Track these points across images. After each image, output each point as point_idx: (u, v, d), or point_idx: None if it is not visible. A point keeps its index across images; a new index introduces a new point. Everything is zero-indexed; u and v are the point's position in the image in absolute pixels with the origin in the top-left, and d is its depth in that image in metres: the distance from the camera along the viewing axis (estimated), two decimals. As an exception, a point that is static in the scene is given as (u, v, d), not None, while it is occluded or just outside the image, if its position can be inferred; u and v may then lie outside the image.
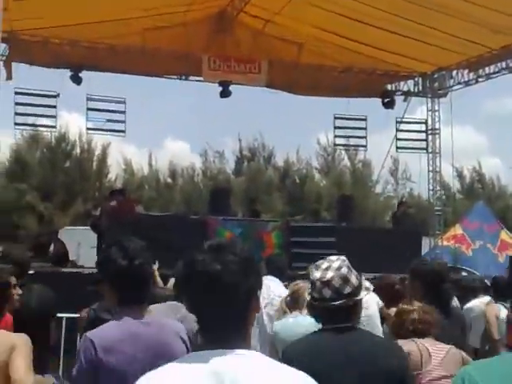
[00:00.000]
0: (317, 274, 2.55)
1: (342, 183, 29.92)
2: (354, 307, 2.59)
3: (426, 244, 15.08)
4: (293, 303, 4.42)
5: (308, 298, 2.61)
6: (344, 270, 2.57)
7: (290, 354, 2.47)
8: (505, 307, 6.04)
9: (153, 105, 43.60)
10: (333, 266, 2.57)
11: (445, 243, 15.19)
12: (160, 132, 47.27)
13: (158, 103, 42.61)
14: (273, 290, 5.06)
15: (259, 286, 1.59)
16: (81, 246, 14.81)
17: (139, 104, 36.44)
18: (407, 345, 3.13)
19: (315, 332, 2.56)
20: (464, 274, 11.80)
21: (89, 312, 5.13)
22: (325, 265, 2.59)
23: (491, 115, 45.25)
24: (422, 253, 13.19)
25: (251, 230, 12.13)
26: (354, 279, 2.59)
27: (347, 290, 2.54)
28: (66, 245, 12.57)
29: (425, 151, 17.48)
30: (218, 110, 33.97)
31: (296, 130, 40.69)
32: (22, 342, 2.89)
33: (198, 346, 1.59)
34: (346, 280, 2.55)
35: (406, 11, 11.99)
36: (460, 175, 32.34)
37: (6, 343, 2.87)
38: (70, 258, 12.70)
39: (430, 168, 17.47)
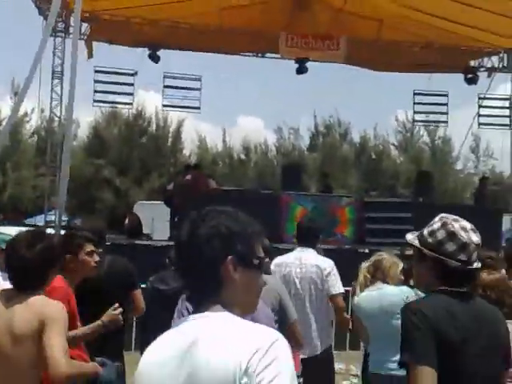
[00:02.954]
0: (474, 238, 2.42)
1: (420, 160, 29.21)
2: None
3: (506, 221, 14.70)
4: (374, 272, 4.36)
5: (452, 262, 2.41)
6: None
7: (421, 308, 2.35)
8: None
9: (228, 82, 43.95)
10: (474, 229, 2.48)
11: None
12: (234, 109, 47.50)
13: (232, 80, 42.90)
14: (304, 261, 4.96)
15: (230, 250, 1.61)
16: (155, 220, 15.12)
17: (214, 81, 36.86)
18: None
19: (440, 292, 2.41)
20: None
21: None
22: (468, 225, 2.48)
23: None
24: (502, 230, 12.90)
25: (324, 206, 12.02)
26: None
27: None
28: (140, 218, 12.80)
29: (508, 128, 16.97)
30: (293, 86, 33.75)
31: (373, 107, 39.96)
32: (57, 314, 2.82)
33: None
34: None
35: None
36: None
37: (38, 311, 2.80)
38: (144, 232, 12.94)
39: (514, 145, 16.93)
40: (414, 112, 17.46)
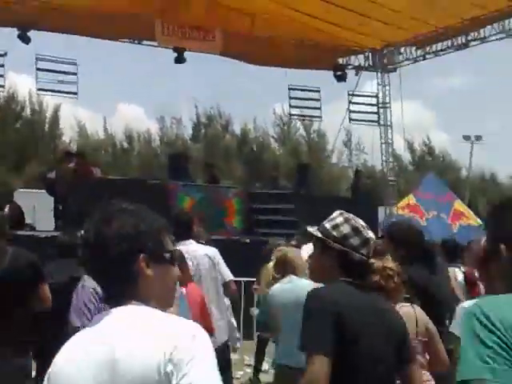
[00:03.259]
0: (371, 235, 2.59)
1: (299, 152, 30.23)
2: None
3: (381, 213, 15.50)
4: (282, 269, 4.45)
5: (356, 255, 2.55)
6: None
7: (324, 295, 2.46)
8: (460, 270, 6.09)
9: (106, 68, 43.07)
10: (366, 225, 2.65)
11: (399, 212, 15.60)
12: (114, 96, 46.83)
13: (111, 66, 42.10)
14: (193, 253, 4.87)
15: (140, 248, 1.62)
16: (36, 209, 14.62)
17: (93, 66, 36.00)
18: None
19: (341, 282, 2.53)
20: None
21: None
22: (364, 224, 2.63)
23: (438, 91, 46.43)
24: (379, 221, 13.60)
25: (212, 196, 12.09)
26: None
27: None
28: (21, 208, 12.29)
29: (376, 124, 17.87)
30: (174, 76, 33.63)
31: (253, 99, 40.80)
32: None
33: None
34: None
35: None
36: (411, 148, 33.23)
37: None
38: (26, 222, 12.43)
39: (383, 140, 17.91)
40: (290, 106, 18.01)
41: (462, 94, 48.23)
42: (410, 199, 15.40)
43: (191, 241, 5.00)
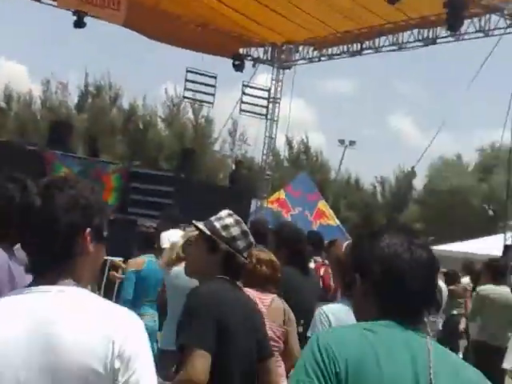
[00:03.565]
0: (252, 240, 2.70)
1: (184, 136, 30.33)
2: None
3: (253, 205, 16.04)
4: None
5: (241, 258, 2.65)
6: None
7: (204, 293, 2.54)
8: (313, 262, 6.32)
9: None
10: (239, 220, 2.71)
11: (269, 205, 16.31)
12: (-1, 49, 43.84)
13: (4, 19, 39.59)
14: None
15: (87, 223, 1.57)
16: None
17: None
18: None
19: (219, 279, 2.60)
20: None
21: None
22: (233, 219, 2.69)
23: (322, 93, 48.62)
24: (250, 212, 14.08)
25: (90, 170, 11.82)
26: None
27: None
28: None
29: (264, 117, 18.41)
30: (68, 39, 32.30)
31: (146, 76, 40.18)
32: None
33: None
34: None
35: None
36: (290, 145, 34.55)
37: None
38: None
39: (267, 134, 18.48)
40: (185, 88, 18.06)
41: (346, 99, 50.69)
42: (281, 194, 16.19)
43: None
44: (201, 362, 2.31)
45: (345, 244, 2.92)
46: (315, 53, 16.23)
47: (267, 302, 3.43)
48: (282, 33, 15.89)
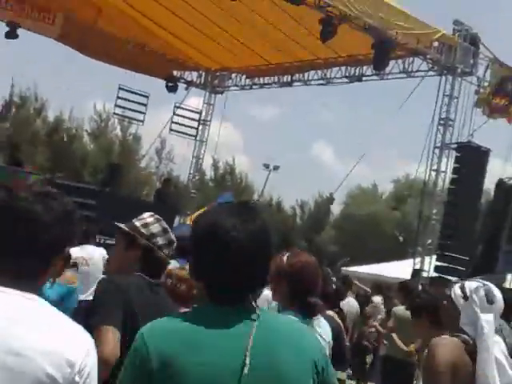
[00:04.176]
0: (174, 238, 2.79)
1: (111, 151, 30.13)
2: None
3: (176, 221, 16.21)
4: None
5: (161, 253, 2.72)
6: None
7: (115, 280, 2.65)
8: None
9: None
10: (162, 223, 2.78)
11: (191, 222, 16.41)
12: None
13: None
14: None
15: (69, 240, 1.55)
16: None
17: None
18: None
19: (137, 276, 2.66)
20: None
21: None
22: (154, 218, 2.77)
23: (251, 118, 49.71)
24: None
25: (9, 180, 11.33)
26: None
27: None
28: None
29: (194, 138, 18.73)
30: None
31: (75, 90, 39.54)
32: None
33: None
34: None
35: (206, 9, 13.03)
36: (216, 166, 35.29)
37: None
38: None
39: (195, 154, 18.82)
40: (116, 105, 18.04)
41: (273, 125, 51.80)
42: None
43: None
44: (109, 337, 2.33)
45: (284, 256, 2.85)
46: (247, 81, 16.75)
47: None
48: (217, 59, 16.30)
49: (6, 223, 1.47)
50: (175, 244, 2.78)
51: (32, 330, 1.40)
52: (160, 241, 2.70)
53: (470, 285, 2.63)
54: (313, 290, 2.86)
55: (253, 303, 1.58)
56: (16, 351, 1.37)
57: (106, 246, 7.36)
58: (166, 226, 2.75)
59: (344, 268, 18.15)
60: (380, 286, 10.89)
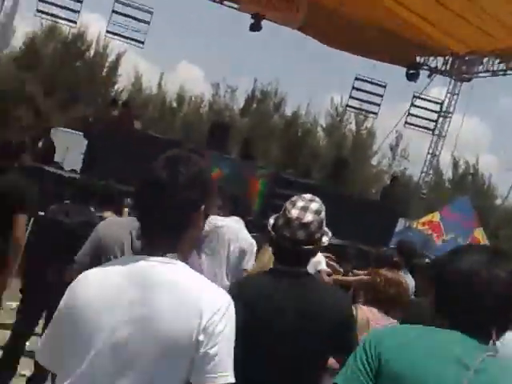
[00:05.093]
0: (295, 214, 2.41)
1: (343, 147, 29.83)
2: (315, 252, 2.50)
3: (401, 224, 15.20)
4: None
5: (273, 233, 2.46)
6: (322, 215, 2.46)
7: (233, 286, 2.53)
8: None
9: (180, 23, 42.35)
10: (311, 208, 2.43)
11: (419, 227, 15.27)
12: (178, 53, 46.15)
13: (186, 22, 41.44)
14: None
15: (204, 201, 1.62)
16: (69, 149, 14.60)
17: (165, 18, 35.57)
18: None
19: (269, 272, 2.49)
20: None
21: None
22: (301, 203, 2.45)
23: (501, 111, 45.13)
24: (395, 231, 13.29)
25: (240, 172, 11.86)
26: (325, 224, 2.50)
27: (318, 235, 2.43)
28: (54, 145, 12.48)
29: (431, 132, 17.53)
30: (242, 43, 32.91)
31: (313, 83, 40.14)
32: None
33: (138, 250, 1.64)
34: (320, 225, 2.44)
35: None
36: (455, 165, 31.73)
37: None
38: (55, 159, 12.54)
39: (431, 151, 17.62)
40: (350, 97, 17.72)
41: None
42: (435, 216, 15.16)
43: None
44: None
45: None
46: (501, 65, 15.11)
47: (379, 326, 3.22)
48: (467, 42, 14.91)
49: (144, 192, 1.62)
50: (302, 223, 2.40)
51: (169, 295, 1.51)
52: (278, 223, 2.46)
53: None
54: None
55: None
56: (152, 310, 1.50)
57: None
58: (286, 205, 2.47)
59: None
60: None
